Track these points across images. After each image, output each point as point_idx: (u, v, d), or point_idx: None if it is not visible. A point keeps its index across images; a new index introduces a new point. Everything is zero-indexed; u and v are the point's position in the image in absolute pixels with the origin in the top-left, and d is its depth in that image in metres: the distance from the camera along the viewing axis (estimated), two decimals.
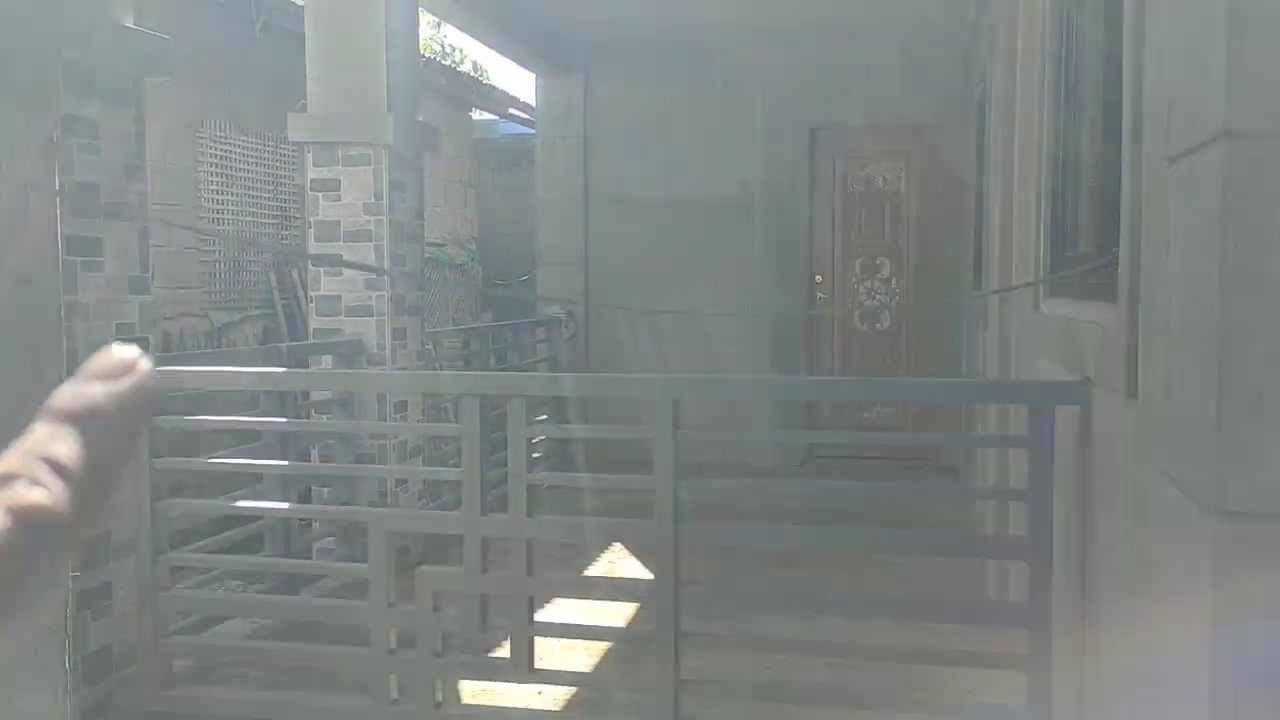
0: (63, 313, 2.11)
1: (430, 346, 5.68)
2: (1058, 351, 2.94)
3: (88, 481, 0.29)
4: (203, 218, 7.03)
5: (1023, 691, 2.74)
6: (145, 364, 0.32)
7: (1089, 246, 2.70)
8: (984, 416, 4.94)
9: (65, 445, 0.29)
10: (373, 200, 4.87)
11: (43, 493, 0.29)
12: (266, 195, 7.89)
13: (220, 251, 7.31)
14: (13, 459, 0.30)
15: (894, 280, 7.54)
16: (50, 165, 1.85)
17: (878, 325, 7.59)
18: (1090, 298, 2.60)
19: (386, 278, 4.82)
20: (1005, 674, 3.40)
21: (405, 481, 5.03)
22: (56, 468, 0.29)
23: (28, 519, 0.29)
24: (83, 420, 0.30)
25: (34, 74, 1.89)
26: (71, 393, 0.31)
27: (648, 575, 3.14)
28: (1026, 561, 2.64)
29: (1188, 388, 1.41)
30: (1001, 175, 4.44)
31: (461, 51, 17.09)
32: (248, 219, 7.46)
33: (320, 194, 4.91)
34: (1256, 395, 1.24)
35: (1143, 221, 1.85)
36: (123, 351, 0.32)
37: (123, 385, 0.31)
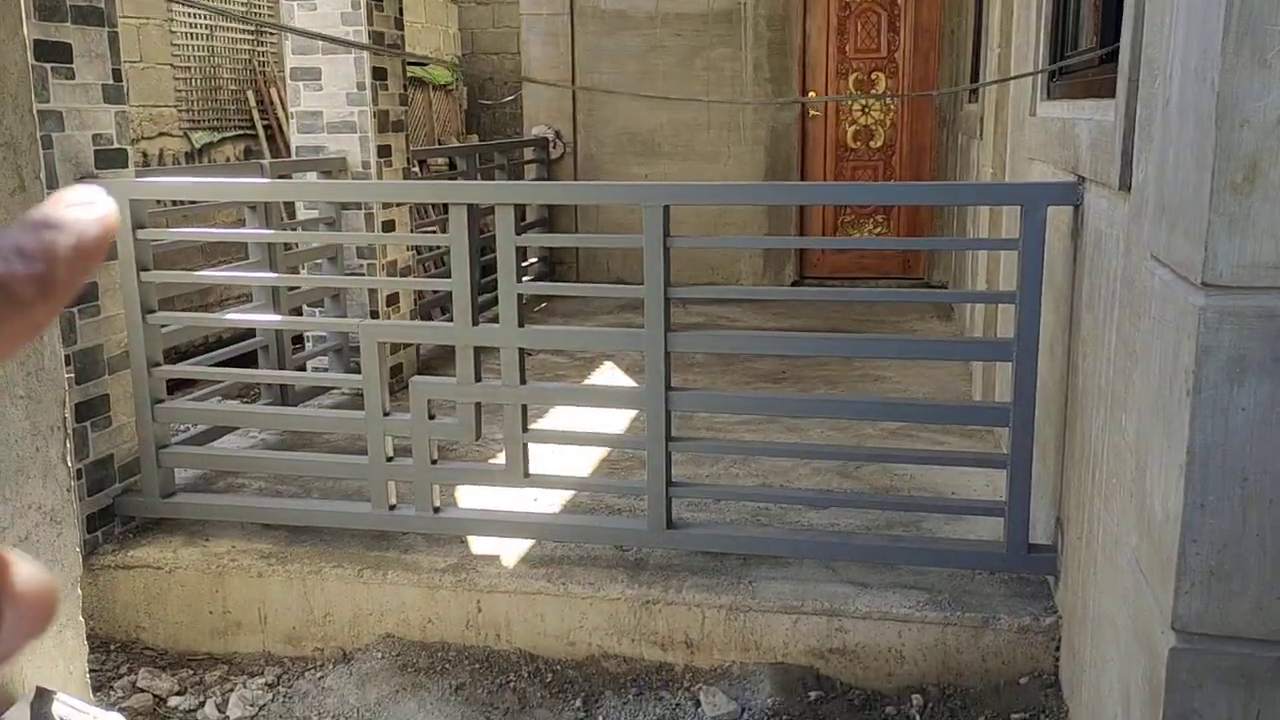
0: (35, 113, 2.05)
1: (415, 167, 5.57)
2: (1053, 155, 2.89)
3: (48, 272, 0.32)
4: (174, 31, 6.78)
5: (1003, 490, 2.83)
6: (108, 200, 0.35)
7: (1090, 46, 2.63)
8: (976, 234, 4.92)
9: (28, 239, 0.33)
10: (349, 10, 4.68)
11: (3, 266, 0.32)
12: (240, 5, 7.59)
13: (196, 68, 7.07)
14: None
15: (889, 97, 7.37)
16: None
17: (872, 143, 7.45)
18: (1088, 95, 2.54)
19: (367, 92, 4.69)
20: (986, 474, 3.51)
21: (396, 303, 5.03)
22: (19, 252, 0.32)
23: None
24: (46, 229, 0.33)
25: None
26: (37, 211, 0.34)
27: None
28: (1013, 362, 2.67)
29: (1182, 165, 1.39)
30: None
31: None
32: (222, 32, 7.19)
33: (295, 3, 4.72)
34: (1251, 165, 1.22)
35: (1146, 3, 1.79)
36: (86, 188, 0.35)
37: (85, 213, 0.34)
